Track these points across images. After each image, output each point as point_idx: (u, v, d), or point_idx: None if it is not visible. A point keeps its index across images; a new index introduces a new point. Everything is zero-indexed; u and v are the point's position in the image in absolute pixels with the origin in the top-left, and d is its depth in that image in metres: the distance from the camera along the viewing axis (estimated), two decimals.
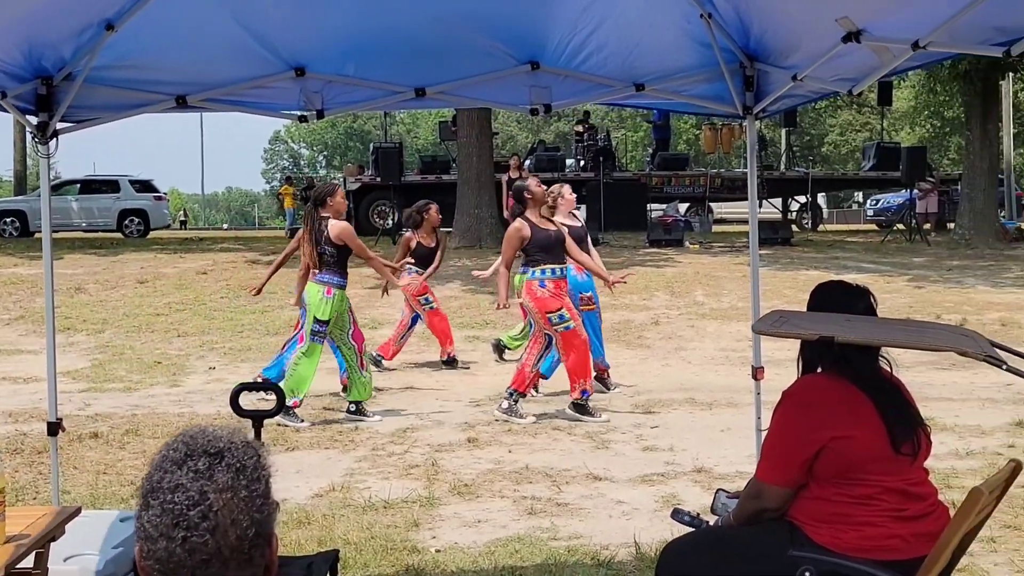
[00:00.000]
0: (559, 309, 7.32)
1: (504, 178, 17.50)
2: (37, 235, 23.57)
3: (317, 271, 7.40)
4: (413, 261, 9.46)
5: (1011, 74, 20.66)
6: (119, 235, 23.98)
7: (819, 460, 2.71)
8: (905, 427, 2.71)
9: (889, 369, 2.84)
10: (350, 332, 7.58)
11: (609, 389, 8.49)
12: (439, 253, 9.77)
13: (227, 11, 3.51)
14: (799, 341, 2.87)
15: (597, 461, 6.25)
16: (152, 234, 24.61)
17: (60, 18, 3.25)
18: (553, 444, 6.77)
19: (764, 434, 3.04)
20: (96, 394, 8.52)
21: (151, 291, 13.54)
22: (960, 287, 13.57)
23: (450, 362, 9.79)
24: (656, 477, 5.90)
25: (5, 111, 3.57)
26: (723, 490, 3.30)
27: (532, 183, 7.60)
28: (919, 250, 17.88)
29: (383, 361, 9.54)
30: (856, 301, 2.85)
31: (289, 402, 7.08)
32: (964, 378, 8.64)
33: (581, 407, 7.45)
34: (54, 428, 4.16)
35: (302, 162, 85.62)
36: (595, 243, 18.05)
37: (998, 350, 2.27)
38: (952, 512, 2.81)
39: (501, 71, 3.97)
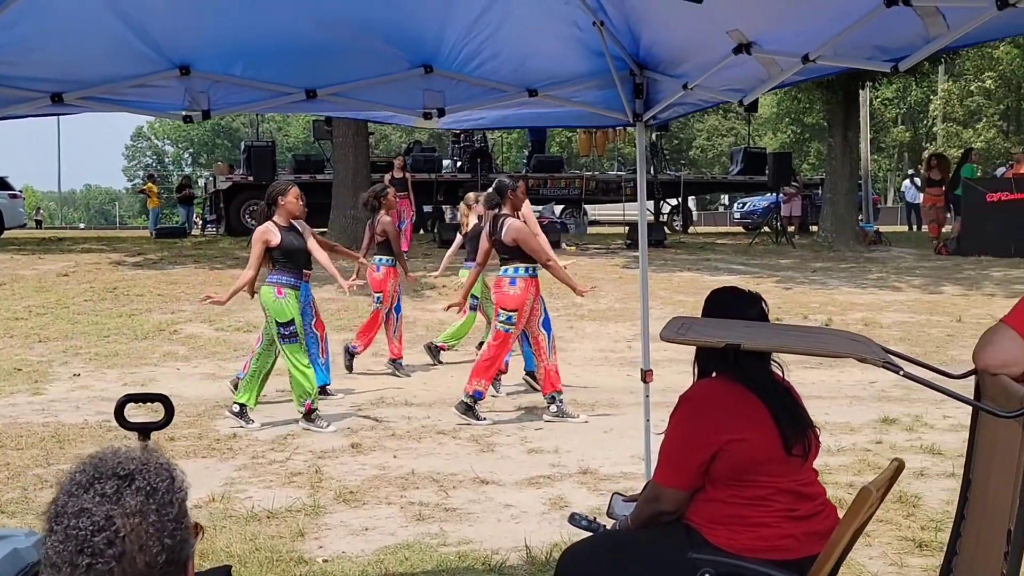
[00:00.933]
0: (513, 310, 7.40)
1: (387, 178, 17.30)
2: None
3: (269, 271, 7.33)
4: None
5: (869, 83, 21.68)
6: None
7: (715, 463, 2.77)
8: (796, 429, 2.80)
9: (781, 373, 2.93)
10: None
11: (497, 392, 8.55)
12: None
13: (106, 5, 3.33)
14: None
15: (483, 464, 6.25)
16: (7, 234, 23.37)
17: None
18: (438, 448, 6.74)
19: (654, 435, 3.10)
20: None
21: (9, 294, 12.84)
22: (824, 288, 14.16)
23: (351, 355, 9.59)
24: (542, 479, 5.94)
25: None
26: (619, 494, 3.34)
27: (522, 185, 7.77)
28: (785, 252, 18.57)
29: (400, 364, 9.56)
30: (749, 307, 2.93)
31: (302, 408, 7.24)
32: (831, 376, 9.03)
33: (469, 408, 7.47)
34: None
35: (167, 159, 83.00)
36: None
37: (891, 356, 2.36)
38: (840, 510, 2.92)
39: (394, 74, 3.92)
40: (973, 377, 2.43)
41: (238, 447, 6.74)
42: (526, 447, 6.75)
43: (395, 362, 9.62)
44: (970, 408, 2.46)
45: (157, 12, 3.43)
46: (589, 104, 4.23)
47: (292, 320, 7.17)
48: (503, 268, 7.50)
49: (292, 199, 7.29)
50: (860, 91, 20.94)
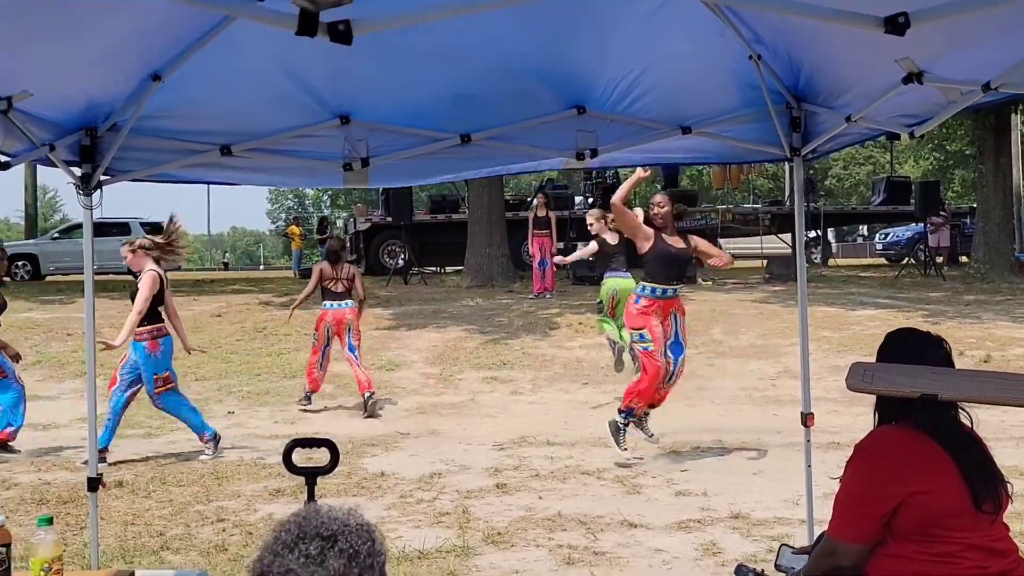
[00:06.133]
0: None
1: (530, 216, 17.30)
2: (49, 278, 23.52)
3: None
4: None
5: (1021, 107, 20.68)
6: (130, 277, 23.92)
7: (897, 516, 2.61)
8: (986, 483, 2.61)
9: (969, 423, 2.74)
10: None
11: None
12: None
13: (273, 60, 3.46)
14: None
15: (630, 507, 6.14)
16: None
17: (108, 70, 3.21)
18: (583, 489, 6.66)
19: (829, 481, 2.95)
20: (117, 440, 8.40)
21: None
22: (979, 322, 13.44)
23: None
24: (692, 523, 5.78)
25: (52, 164, 3.52)
26: (787, 545, 3.19)
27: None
28: (934, 285, 17.78)
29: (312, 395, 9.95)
30: (933, 350, 2.75)
31: None
32: (993, 416, 8.50)
33: (617, 429, 7.37)
34: (94, 484, 4.06)
35: (307, 202, 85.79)
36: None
37: None
38: None
39: (547, 116, 3.93)
40: None
41: (386, 486, 6.83)
42: (673, 489, 6.60)
43: (309, 394, 9.95)
44: None
45: (320, 65, 3.54)
46: (743, 139, 4.13)
47: None
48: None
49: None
50: (1012, 115, 19.96)
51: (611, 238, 9.69)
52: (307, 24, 1.39)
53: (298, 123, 3.81)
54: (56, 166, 3.53)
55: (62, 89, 3.24)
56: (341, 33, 1.42)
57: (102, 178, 3.72)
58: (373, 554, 1.37)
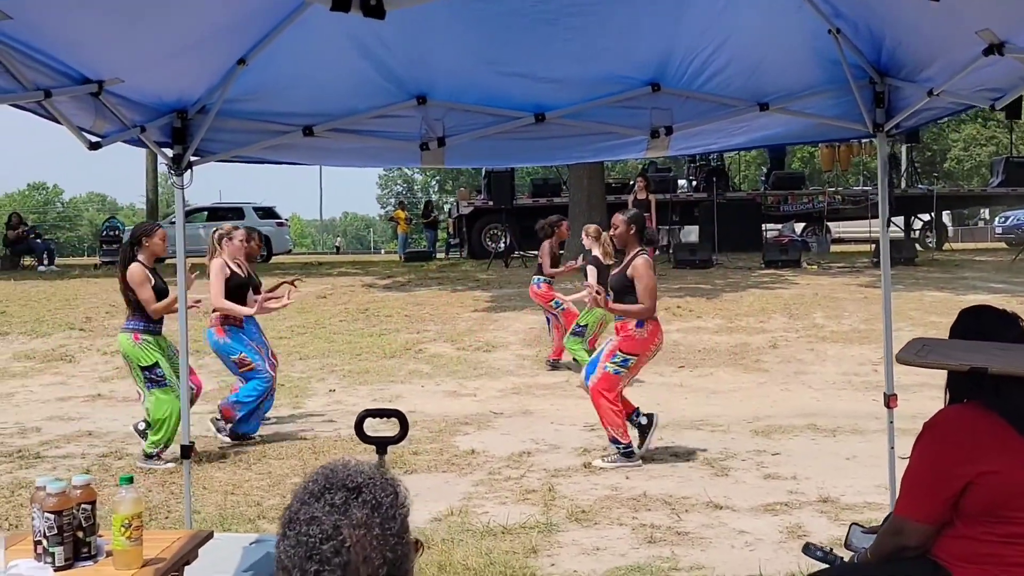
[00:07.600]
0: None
1: (630, 199, 17.19)
2: (168, 260, 24.49)
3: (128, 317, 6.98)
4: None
5: None
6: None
7: (966, 496, 2.56)
8: None
9: None
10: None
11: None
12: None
13: (349, 42, 3.57)
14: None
15: (717, 489, 6.11)
16: (273, 259, 25.31)
17: (201, 58, 3.36)
18: (671, 471, 6.65)
19: (900, 464, 2.90)
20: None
21: (274, 315, 13.82)
22: None
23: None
24: (779, 507, 5.72)
25: (144, 145, 3.72)
26: (858, 524, 3.17)
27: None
28: None
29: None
30: (1008, 327, 2.68)
31: (154, 451, 6.85)
32: None
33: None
34: (187, 451, 4.28)
35: (415, 187, 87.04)
36: (709, 264, 17.78)
37: None
38: None
39: (621, 94, 3.94)
40: None
41: (476, 463, 6.94)
42: (762, 472, 6.54)
43: (555, 362, 10.84)
44: None
45: (396, 46, 3.63)
46: (824, 116, 4.05)
47: (155, 364, 6.81)
48: None
49: (157, 239, 7.13)
50: None
51: (603, 256, 9.69)
52: (341, 0, 1.46)
53: (376, 104, 3.93)
54: (147, 147, 3.72)
55: (156, 76, 3.41)
56: (373, 8, 1.49)
57: (192, 159, 3.90)
58: (395, 506, 1.44)
